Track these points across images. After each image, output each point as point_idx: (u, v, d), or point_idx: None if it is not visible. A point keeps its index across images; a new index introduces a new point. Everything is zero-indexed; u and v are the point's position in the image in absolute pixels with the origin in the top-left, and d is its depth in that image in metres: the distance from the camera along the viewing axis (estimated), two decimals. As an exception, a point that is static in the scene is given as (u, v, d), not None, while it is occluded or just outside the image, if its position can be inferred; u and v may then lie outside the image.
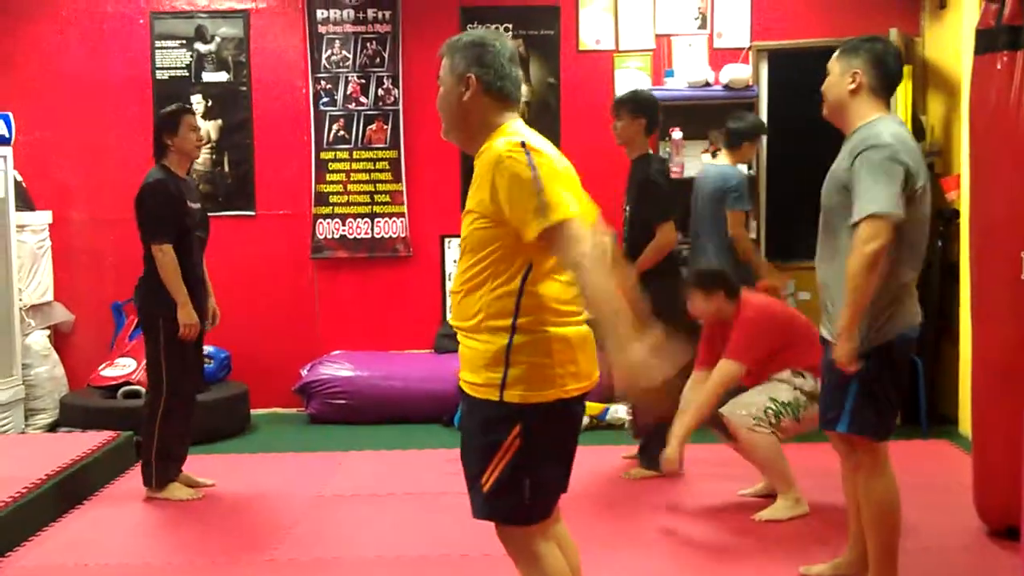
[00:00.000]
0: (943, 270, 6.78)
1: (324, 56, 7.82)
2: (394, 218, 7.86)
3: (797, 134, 7.08)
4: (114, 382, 6.99)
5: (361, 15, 7.81)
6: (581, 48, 7.79)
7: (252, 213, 7.86)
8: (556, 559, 2.96)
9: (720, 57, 7.64)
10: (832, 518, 4.80)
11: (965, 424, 6.14)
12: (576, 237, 2.71)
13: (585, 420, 6.63)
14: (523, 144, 2.78)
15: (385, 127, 7.83)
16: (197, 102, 7.78)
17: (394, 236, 7.87)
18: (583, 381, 2.90)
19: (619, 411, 6.97)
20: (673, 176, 7.27)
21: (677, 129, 7.37)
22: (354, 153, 7.86)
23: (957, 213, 6.65)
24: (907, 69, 6.85)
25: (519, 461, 2.82)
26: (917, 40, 7.41)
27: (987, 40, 4.43)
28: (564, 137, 7.59)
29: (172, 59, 7.86)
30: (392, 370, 7.38)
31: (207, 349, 6.96)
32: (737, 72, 7.41)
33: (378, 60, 7.82)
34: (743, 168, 6.68)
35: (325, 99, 7.84)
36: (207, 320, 5.72)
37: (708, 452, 6.20)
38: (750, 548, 4.58)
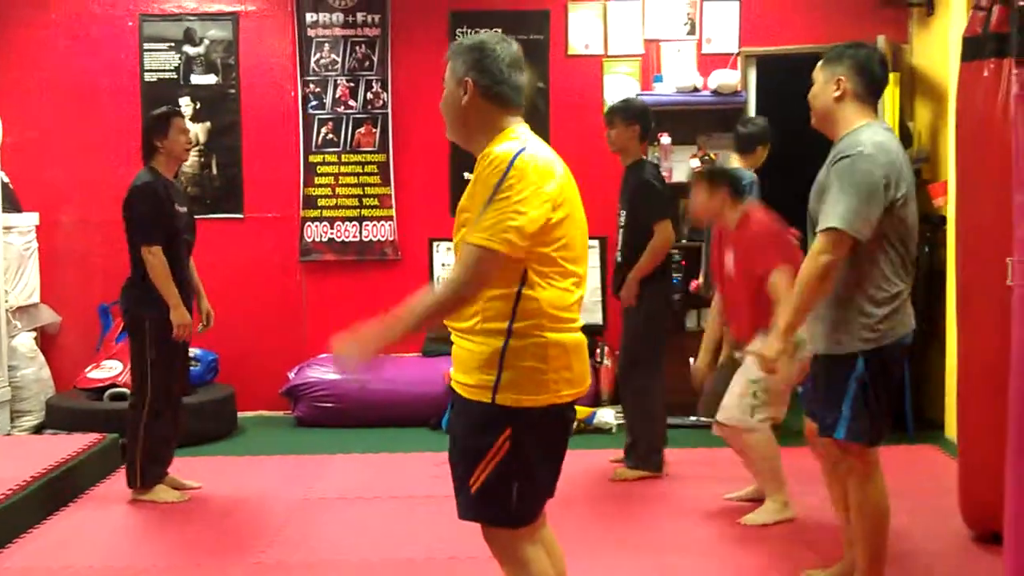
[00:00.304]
0: (930, 276, 6.80)
1: (313, 59, 7.82)
2: (382, 221, 7.86)
3: (785, 140, 7.08)
4: (100, 384, 6.97)
5: (350, 19, 7.81)
6: (570, 53, 7.81)
7: (240, 216, 7.86)
8: (542, 562, 2.96)
9: (709, 63, 7.66)
10: (818, 520, 4.82)
11: (951, 429, 6.16)
12: (476, 266, 2.74)
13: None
14: (516, 156, 2.78)
15: (374, 131, 7.83)
16: (185, 104, 7.78)
17: (382, 239, 7.87)
18: (576, 387, 2.91)
19: (606, 415, 6.98)
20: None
21: (665, 134, 7.39)
22: (343, 156, 7.86)
23: (944, 219, 6.68)
24: (895, 76, 6.89)
25: (508, 464, 2.82)
26: (905, 47, 7.43)
27: (974, 47, 4.45)
28: (553, 141, 7.49)
29: (160, 61, 7.85)
30: (380, 373, 7.36)
31: (194, 351, 6.96)
32: (725, 78, 7.43)
33: (367, 64, 7.82)
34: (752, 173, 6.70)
35: (314, 102, 7.84)
36: (199, 323, 5.72)
37: (695, 455, 6.23)
38: (738, 552, 4.59)
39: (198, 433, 6.67)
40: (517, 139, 2.87)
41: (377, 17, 7.81)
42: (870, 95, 3.78)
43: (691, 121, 7.49)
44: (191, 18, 7.84)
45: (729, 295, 5.12)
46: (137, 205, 5.37)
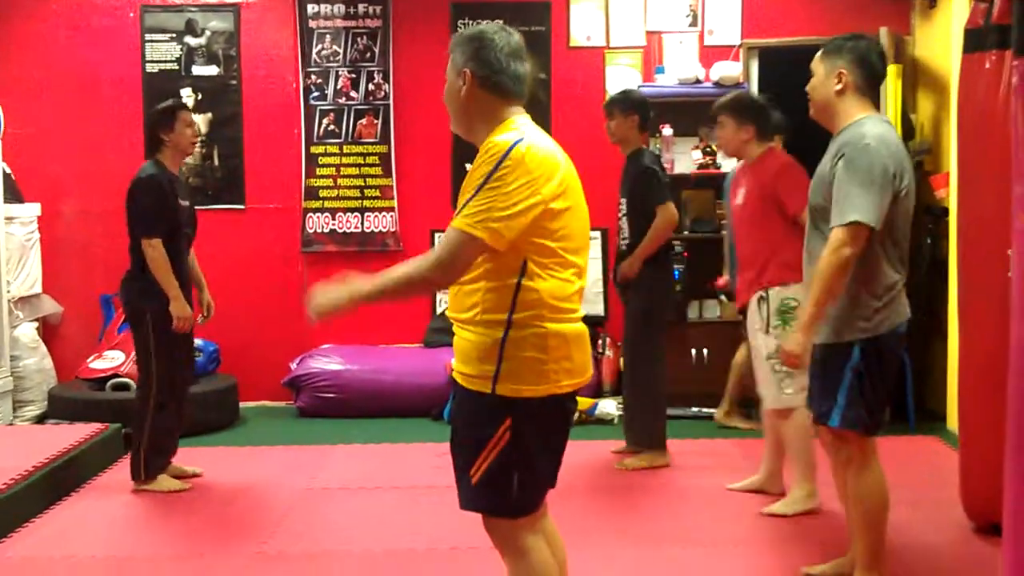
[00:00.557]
0: (932, 267, 6.80)
1: (315, 50, 7.81)
2: (384, 212, 7.86)
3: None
4: (102, 374, 6.98)
5: (352, 10, 7.80)
6: (572, 44, 7.80)
7: (242, 207, 7.86)
8: (542, 553, 2.96)
9: (711, 54, 7.66)
10: (825, 512, 4.84)
11: (953, 421, 6.16)
12: (451, 250, 2.76)
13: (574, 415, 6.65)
14: (513, 145, 2.77)
15: (375, 122, 7.83)
16: (187, 96, 7.78)
17: (384, 230, 7.87)
18: (576, 377, 2.91)
19: (608, 406, 6.99)
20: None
21: (667, 126, 7.38)
22: (344, 147, 7.86)
23: (946, 211, 6.67)
24: (897, 68, 6.89)
25: (508, 454, 2.82)
26: (907, 39, 7.42)
27: (976, 39, 4.44)
28: (555, 133, 7.49)
29: (162, 52, 7.85)
30: (381, 364, 7.39)
31: (196, 342, 6.96)
32: (728, 69, 7.43)
33: (369, 55, 7.82)
34: None
35: (315, 93, 7.84)
36: (200, 314, 5.73)
37: (697, 446, 6.23)
38: (741, 543, 4.59)
39: (200, 423, 6.68)
40: (516, 129, 2.86)
41: (378, 8, 7.80)
42: (870, 87, 3.80)
43: (693, 113, 7.48)
44: (192, 9, 7.84)
45: (738, 238, 5.11)
46: (140, 197, 5.36)
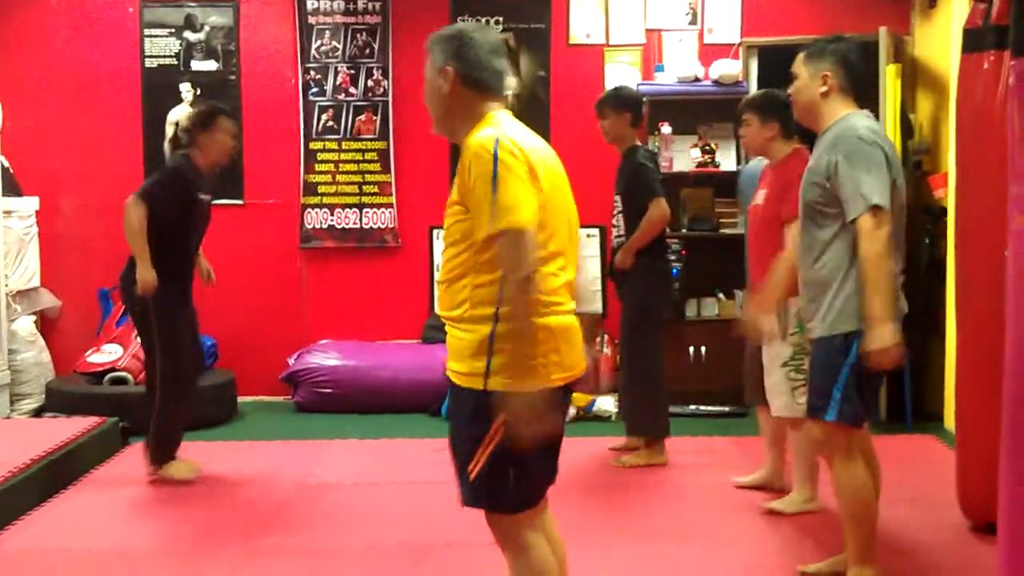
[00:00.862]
0: (930, 267, 6.80)
1: (314, 46, 7.82)
2: (382, 209, 7.86)
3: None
4: (100, 368, 6.99)
5: (351, 6, 7.80)
6: (571, 42, 7.80)
7: (241, 202, 7.85)
8: (542, 549, 2.97)
9: (710, 52, 7.66)
10: (822, 511, 4.83)
11: (950, 420, 6.17)
12: (514, 248, 2.72)
13: (572, 412, 6.65)
14: (497, 141, 2.77)
15: (374, 118, 7.83)
16: (186, 91, 7.79)
17: (382, 227, 7.88)
18: (567, 371, 2.91)
19: (605, 403, 6.99)
20: (661, 170, 7.31)
21: (666, 124, 7.39)
22: (343, 144, 7.86)
23: (945, 211, 6.68)
24: (896, 67, 6.89)
25: (504, 450, 2.82)
26: (907, 38, 7.43)
27: (974, 39, 4.45)
28: (554, 130, 7.60)
29: (161, 47, 7.85)
30: (379, 360, 7.39)
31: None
32: (727, 68, 7.44)
33: (368, 51, 7.82)
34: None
35: (314, 89, 7.84)
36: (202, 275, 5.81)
37: (695, 444, 6.24)
38: (739, 540, 4.59)
39: (198, 418, 6.65)
40: (495, 125, 2.87)
41: (378, 4, 7.80)
42: (853, 87, 3.85)
43: (692, 111, 7.50)
44: (192, 4, 7.83)
45: (752, 238, 5.10)
46: (155, 176, 5.44)
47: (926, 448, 6.20)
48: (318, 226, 7.87)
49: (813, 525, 4.71)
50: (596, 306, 7.29)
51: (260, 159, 7.85)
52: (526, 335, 2.74)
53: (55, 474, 5.36)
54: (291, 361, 7.45)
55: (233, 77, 7.84)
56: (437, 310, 3.00)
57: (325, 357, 7.38)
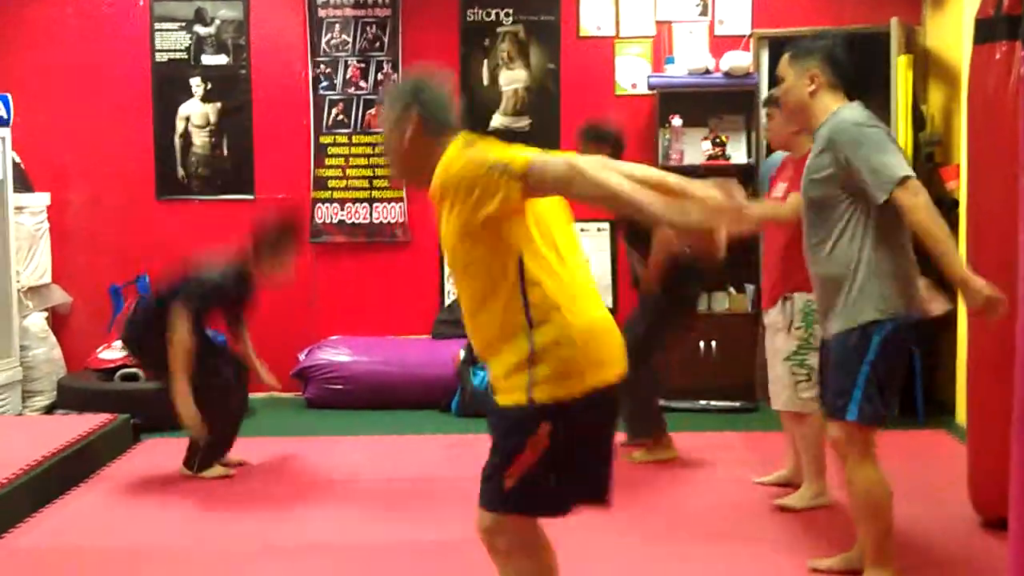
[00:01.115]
0: (941, 259, 6.76)
1: (324, 40, 7.81)
2: (393, 203, 7.86)
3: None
4: (112, 364, 7.00)
5: (361, -1, 7.81)
6: (582, 34, 7.77)
7: (251, 197, 7.85)
8: (547, 551, 3.00)
9: (721, 44, 7.63)
10: (832, 507, 4.81)
11: (962, 415, 6.15)
12: (550, 168, 2.73)
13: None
14: (462, 149, 2.85)
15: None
16: (196, 85, 7.79)
17: (393, 221, 7.87)
18: (613, 368, 2.89)
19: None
20: (672, 162, 7.31)
21: (677, 116, 7.37)
22: (353, 138, 7.85)
23: (957, 203, 6.64)
24: (908, 58, 6.86)
25: (548, 459, 2.79)
26: (918, 29, 7.39)
27: (986, 30, 4.41)
28: (564, 123, 7.59)
29: (171, 41, 7.85)
30: (390, 355, 7.39)
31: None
32: (738, 60, 7.40)
33: (378, 44, 7.81)
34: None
35: (324, 83, 7.83)
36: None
37: (704, 440, 6.22)
38: (752, 536, 4.57)
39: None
40: (463, 145, 2.90)
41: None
42: (843, 82, 3.84)
43: (703, 103, 7.47)
44: (202, -2, 7.85)
45: (767, 241, 5.08)
46: (204, 285, 5.32)
47: (937, 443, 6.17)
48: (328, 221, 7.87)
49: (824, 520, 4.70)
50: (607, 300, 7.27)
51: (270, 154, 7.85)
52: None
53: (67, 471, 5.36)
54: (302, 357, 7.45)
55: (243, 71, 7.84)
56: (477, 354, 2.99)
57: (336, 353, 7.38)
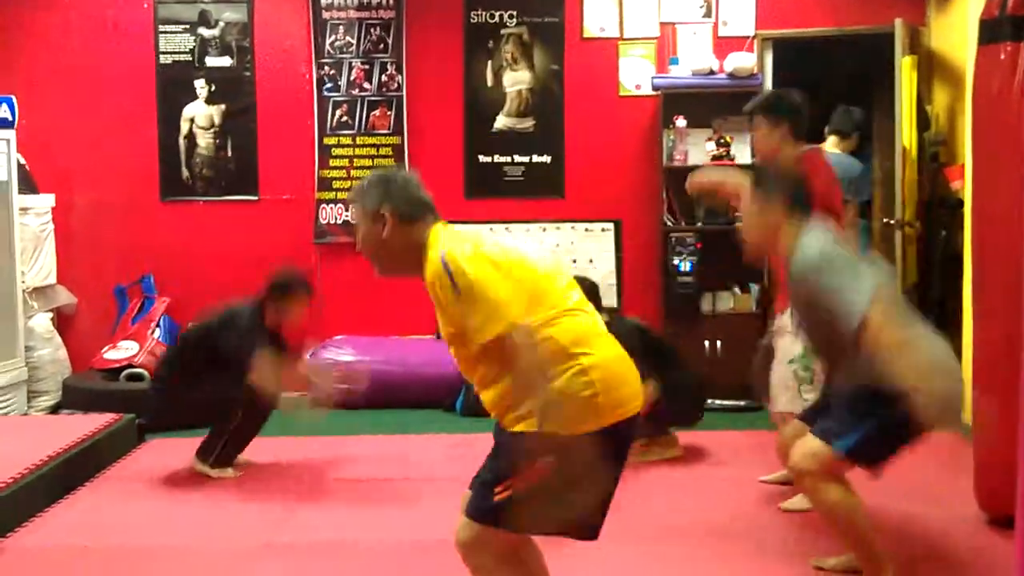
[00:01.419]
0: (946, 259, 6.77)
1: (328, 41, 7.81)
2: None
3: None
4: (117, 365, 7.02)
5: (365, 0, 7.80)
6: (585, 35, 7.77)
7: (255, 198, 7.86)
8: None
9: (725, 45, 7.62)
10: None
11: (967, 413, 6.14)
12: (523, 347, 2.79)
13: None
14: (443, 260, 2.88)
15: (388, 113, 7.82)
16: (200, 87, 7.80)
17: (397, 222, 7.86)
18: (630, 403, 2.92)
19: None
20: (676, 163, 7.32)
21: (681, 117, 7.37)
22: (357, 139, 7.86)
23: (961, 203, 6.64)
24: (912, 59, 6.87)
25: (544, 486, 2.81)
26: (922, 30, 7.39)
27: (990, 30, 4.41)
28: (567, 124, 7.61)
29: (176, 43, 7.86)
30: (394, 355, 7.39)
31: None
32: (742, 61, 7.40)
33: (382, 46, 7.81)
34: None
35: (329, 85, 7.84)
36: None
37: (713, 438, 6.21)
38: (757, 535, 4.57)
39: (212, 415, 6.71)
40: (439, 247, 2.95)
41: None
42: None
43: (707, 104, 7.47)
44: (206, 0, 7.84)
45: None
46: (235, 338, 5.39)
47: (942, 441, 6.14)
48: (333, 221, 7.87)
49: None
50: (610, 301, 7.28)
51: (275, 155, 7.86)
52: (561, 407, 2.79)
53: (72, 471, 5.37)
54: (307, 356, 7.44)
55: (247, 73, 7.85)
56: (492, 413, 3.05)
57: (340, 353, 7.38)
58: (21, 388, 7.08)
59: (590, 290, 5.65)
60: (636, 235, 7.55)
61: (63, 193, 7.76)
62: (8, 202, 7.07)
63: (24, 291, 7.23)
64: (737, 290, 7.40)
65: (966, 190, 6.32)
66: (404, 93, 7.79)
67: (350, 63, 7.83)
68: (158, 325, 7.29)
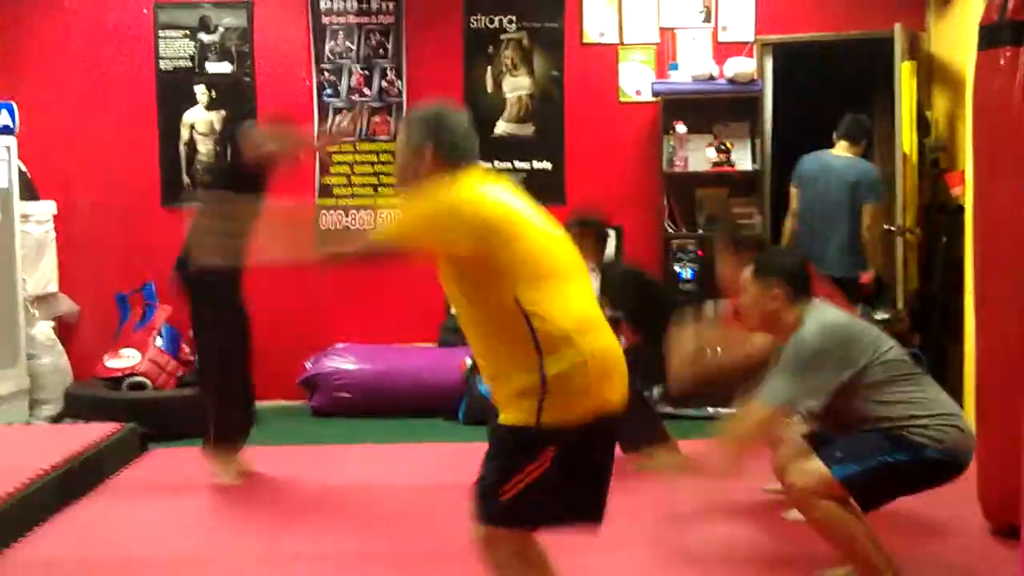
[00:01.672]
0: (946, 266, 6.77)
1: (327, 47, 7.82)
2: (398, 210, 7.85)
3: (801, 128, 7.08)
4: (119, 373, 7.00)
5: (365, 6, 7.80)
6: (585, 41, 7.78)
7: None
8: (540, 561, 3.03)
9: (724, 51, 7.63)
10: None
11: (969, 420, 6.13)
12: (358, 243, 3.10)
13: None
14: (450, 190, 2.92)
15: (389, 119, 7.83)
16: (201, 92, 7.81)
17: (398, 229, 7.86)
18: (618, 394, 2.93)
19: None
20: (676, 169, 7.33)
21: (681, 123, 7.38)
22: (358, 145, 7.86)
23: (962, 209, 6.64)
24: (912, 64, 6.87)
25: (547, 480, 2.82)
26: (922, 35, 7.39)
27: (990, 35, 4.41)
28: (568, 129, 7.60)
29: (176, 49, 7.86)
30: (396, 363, 7.38)
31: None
32: (741, 66, 7.41)
33: (382, 51, 7.81)
34: None
35: (328, 90, 7.84)
36: None
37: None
38: (761, 546, 4.57)
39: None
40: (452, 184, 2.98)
41: (391, 4, 7.80)
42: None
43: (707, 110, 7.48)
44: (206, 5, 7.85)
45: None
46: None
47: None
48: (333, 228, 7.86)
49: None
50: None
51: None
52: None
53: (74, 481, 5.35)
54: (308, 365, 7.45)
55: (247, 79, 7.85)
56: (483, 379, 3.07)
57: (342, 361, 7.38)
58: (23, 397, 7.07)
59: (598, 235, 5.69)
60: (637, 242, 7.53)
61: (64, 200, 7.75)
62: (9, 209, 7.06)
63: (26, 299, 7.22)
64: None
65: (967, 196, 6.32)
66: (404, 99, 7.79)
67: (350, 69, 7.84)
68: (160, 333, 7.28)
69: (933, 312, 6.86)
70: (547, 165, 7.69)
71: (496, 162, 7.61)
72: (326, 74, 7.85)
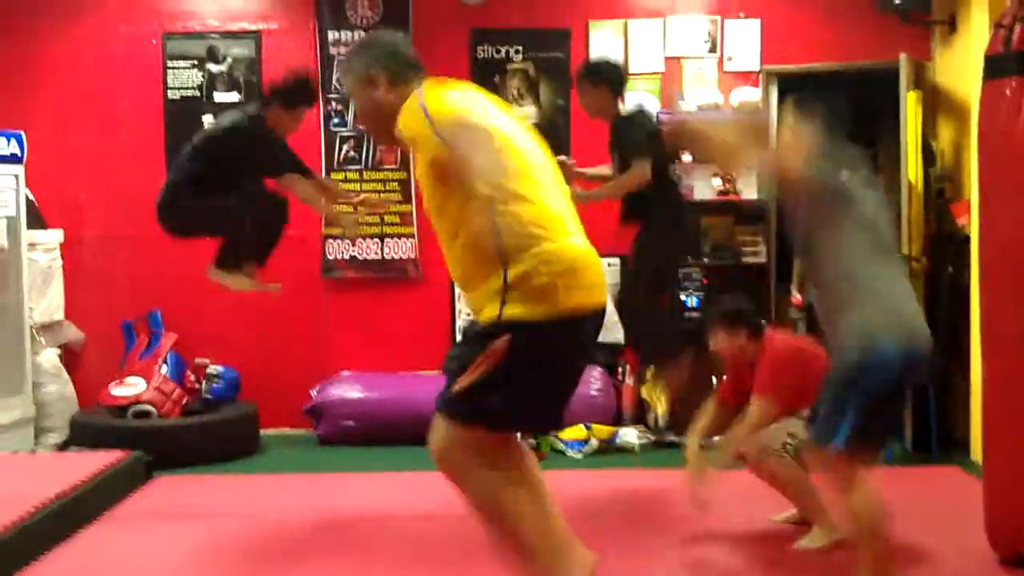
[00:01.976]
0: (953, 295, 6.76)
1: (335, 77, 7.85)
2: (404, 239, 7.88)
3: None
4: (124, 401, 7.00)
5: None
6: (591, 71, 7.79)
7: (263, 233, 7.86)
8: (504, 479, 3.08)
9: (730, 80, 7.66)
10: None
11: (976, 451, 6.12)
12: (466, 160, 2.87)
13: (594, 443, 6.61)
14: (421, 103, 2.99)
15: (395, 148, 7.85)
16: (208, 122, 7.82)
17: (404, 257, 7.89)
18: (589, 299, 2.93)
19: (629, 435, 6.93)
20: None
21: (687, 152, 7.38)
22: (364, 174, 7.89)
23: (967, 239, 6.64)
24: (917, 94, 6.88)
25: (504, 371, 2.86)
26: (927, 65, 7.41)
27: (995, 66, 4.42)
28: (574, 157, 7.59)
29: (184, 79, 7.90)
30: (402, 391, 7.37)
31: (216, 369, 7.02)
32: (747, 95, 7.43)
33: (389, 81, 7.83)
34: None
35: (336, 120, 7.87)
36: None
37: (731, 475, 6.18)
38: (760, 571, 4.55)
39: (220, 450, 6.71)
40: (415, 95, 3.06)
41: (398, 36, 7.81)
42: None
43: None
44: (214, 36, 7.90)
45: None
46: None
47: (952, 479, 6.13)
48: (340, 257, 7.89)
49: (841, 557, 4.67)
50: (616, 336, 7.26)
51: (282, 190, 7.86)
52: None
53: (79, 509, 5.34)
54: (314, 393, 7.44)
55: (255, 109, 7.87)
56: (456, 284, 3.11)
57: (348, 389, 7.37)
58: (28, 425, 7.08)
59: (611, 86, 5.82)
60: (642, 270, 7.53)
61: (71, 228, 7.78)
62: (17, 237, 7.09)
63: (32, 327, 7.24)
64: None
65: (972, 226, 6.33)
66: (411, 128, 7.81)
67: (357, 98, 7.85)
68: (165, 361, 7.28)
69: (940, 342, 6.85)
70: (553, 194, 7.68)
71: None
72: (333, 103, 7.88)
